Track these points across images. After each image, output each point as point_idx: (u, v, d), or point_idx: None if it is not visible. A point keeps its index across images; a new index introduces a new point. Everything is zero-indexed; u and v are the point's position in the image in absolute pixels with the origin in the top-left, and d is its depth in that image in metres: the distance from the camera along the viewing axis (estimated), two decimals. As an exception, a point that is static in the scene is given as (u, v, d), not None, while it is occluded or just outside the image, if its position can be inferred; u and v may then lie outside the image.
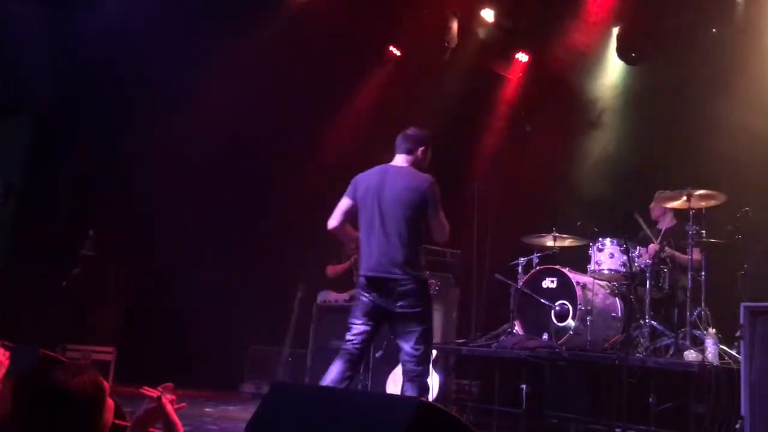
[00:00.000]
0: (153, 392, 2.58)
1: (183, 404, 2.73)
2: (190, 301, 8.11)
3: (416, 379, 4.57)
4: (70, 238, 7.71)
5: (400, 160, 4.86)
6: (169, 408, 2.62)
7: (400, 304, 4.52)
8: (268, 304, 8.44)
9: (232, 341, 8.33)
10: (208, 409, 6.53)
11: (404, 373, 4.59)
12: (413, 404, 1.87)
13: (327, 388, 2.53)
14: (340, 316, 7.81)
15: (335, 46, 8.55)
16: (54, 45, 7.55)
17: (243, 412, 6.44)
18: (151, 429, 2.67)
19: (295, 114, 8.66)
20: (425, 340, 4.57)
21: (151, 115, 7.77)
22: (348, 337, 4.59)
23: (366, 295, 4.61)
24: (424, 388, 4.58)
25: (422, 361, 4.56)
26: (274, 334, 8.36)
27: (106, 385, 2.10)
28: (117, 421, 2.77)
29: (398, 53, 9.38)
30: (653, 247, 6.21)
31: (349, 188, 4.88)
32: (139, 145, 7.91)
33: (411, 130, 4.95)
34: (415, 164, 4.82)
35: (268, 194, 8.69)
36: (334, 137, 9.08)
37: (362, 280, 4.64)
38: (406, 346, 4.54)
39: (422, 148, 4.85)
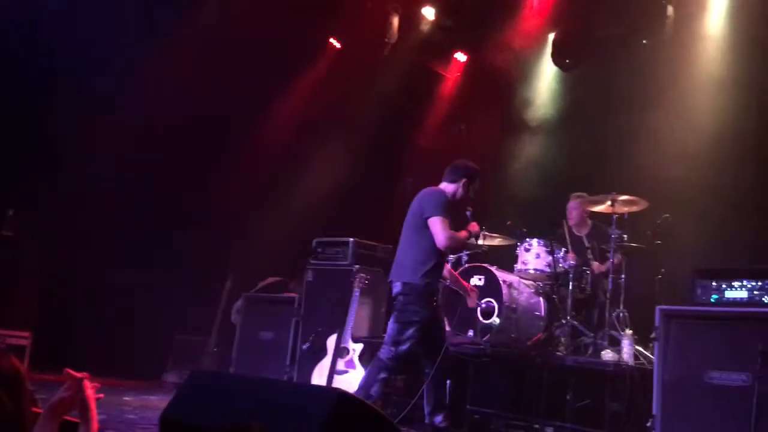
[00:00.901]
0: (77, 374, 2.51)
1: (101, 395, 2.66)
2: (113, 286, 7.91)
3: (370, 366, 5.29)
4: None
5: (441, 185, 5.35)
6: (90, 392, 2.55)
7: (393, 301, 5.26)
8: (195, 294, 8.29)
9: (157, 330, 8.16)
10: (127, 398, 6.38)
11: None
12: (333, 396, 1.87)
13: (247, 377, 2.51)
14: (268, 307, 7.78)
15: (274, 37, 8.45)
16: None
17: (163, 402, 6.25)
18: (65, 417, 2.60)
19: (230, 105, 8.52)
20: (391, 337, 5.15)
21: (79, 93, 7.52)
22: None
23: None
24: (370, 375, 5.20)
25: (382, 352, 5.18)
26: (201, 324, 8.23)
27: (22, 368, 2.03)
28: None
29: (338, 46, 9.36)
30: (573, 256, 6.42)
31: None
32: (64, 122, 7.64)
33: (461, 161, 5.40)
34: (454, 193, 5.27)
35: (201, 181, 8.53)
36: (272, 129, 8.99)
37: None
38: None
39: (464, 180, 5.28)
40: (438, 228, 5.07)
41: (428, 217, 5.10)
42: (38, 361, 7.26)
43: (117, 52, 7.44)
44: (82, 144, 7.63)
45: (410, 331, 5.09)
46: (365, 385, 5.16)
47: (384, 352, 5.15)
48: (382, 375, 5.14)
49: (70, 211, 7.84)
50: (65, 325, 7.70)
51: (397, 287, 5.18)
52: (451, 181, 5.32)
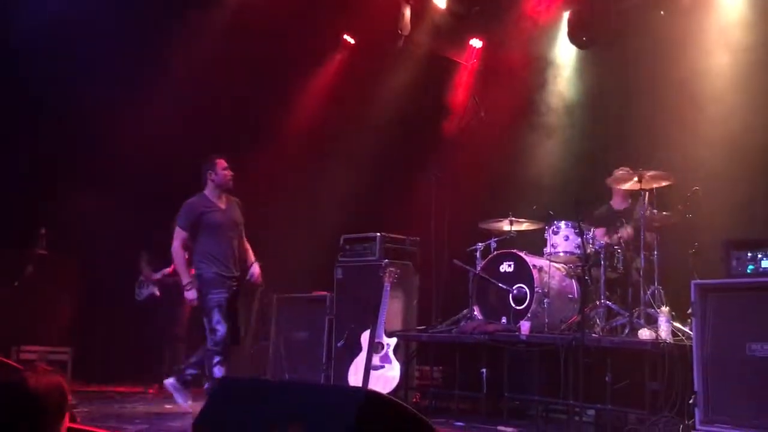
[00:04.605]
0: None
1: None
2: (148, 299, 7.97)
3: (205, 359, 5.92)
4: (18, 237, 7.53)
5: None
6: None
7: None
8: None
9: (196, 338, 8.23)
10: (168, 406, 6.45)
11: None
12: (362, 396, 1.86)
13: (276, 381, 2.52)
14: (300, 307, 7.82)
15: (288, 35, 8.46)
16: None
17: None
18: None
19: (247, 105, 8.55)
20: (206, 329, 5.90)
21: (99, 105, 7.60)
22: None
23: None
24: (207, 363, 5.85)
25: (207, 343, 5.90)
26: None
27: (68, 389, 2.02)
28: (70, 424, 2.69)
29: (352, 41, 9.34)
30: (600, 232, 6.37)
31: None
32: (89, 136, 7.74)
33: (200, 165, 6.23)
34: (212, 186, 6.11)
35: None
36: (289, 127, 9.01)
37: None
38: None
39: (210, 172, 6.11)
40: (174, 235, 6.00)
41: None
42: (79, 375, 7.39)
43: (124, 59, 7.51)
44: (114, 154, 7.73)
45: (215, 316, 5.82)
46: (211, 376, 5.84)
47: (208, 343, 5.86)
48: (217, 358, 5.79)
49: (103, 225, 7.93)
50: (103, 338, 7.80)
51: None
52: (205, 183, 6.15)
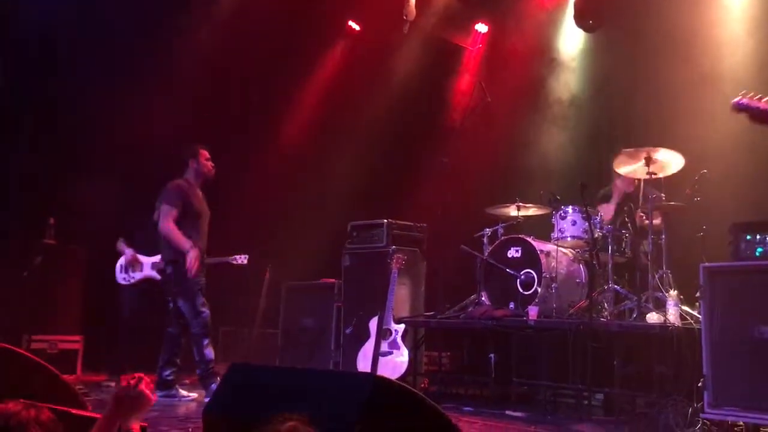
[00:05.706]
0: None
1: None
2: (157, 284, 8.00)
3: (194, 346, 6.03)
4: (26, 227, 7.56)
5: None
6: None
7: None
8: (236, 286, 8.38)
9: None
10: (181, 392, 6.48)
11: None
12: (370, 381, 1.87)
13: (286, 368, 2.53)
14: (308, 294, 7.83)
15: (293, 23, 8.44)
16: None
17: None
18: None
19: (254, 94, 8.54)
20: (190, 313, 6.03)
21: (108, 96, 7.60)
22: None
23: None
24: (198, 348, 5.95)
25: (193, 328, 6.01)
26: (243, 315, 8.32)
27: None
28: (75, 411, 2.68)
29: (357, 28, 9.30)
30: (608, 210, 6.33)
31: None
32: (99, 127, 7.75)
33: (182, 150, 6.25)
34: (193, 174, 6.14)
35: (233, 174, 8.58)
36: (295, 116, 8.99)
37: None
38: None
39: (191, 160, 6.12)
40: (162, 214, 5.92)
41: (160, 205, 5.95)
42: (90, 363, 7.44)
43: (131, 49, 7.51)
44: (119, 143, 7.73)
45: (199, 299, 5.96)
46: (202, 359, 5.93)
47: (194, 327, 5.95)
48: (206, 341, 5.94)
49: (112, 215, 7.93)
50: (114, 326, 7.83)
51: (169, 268, 6.05)
52: (185, 170, 6.14)
